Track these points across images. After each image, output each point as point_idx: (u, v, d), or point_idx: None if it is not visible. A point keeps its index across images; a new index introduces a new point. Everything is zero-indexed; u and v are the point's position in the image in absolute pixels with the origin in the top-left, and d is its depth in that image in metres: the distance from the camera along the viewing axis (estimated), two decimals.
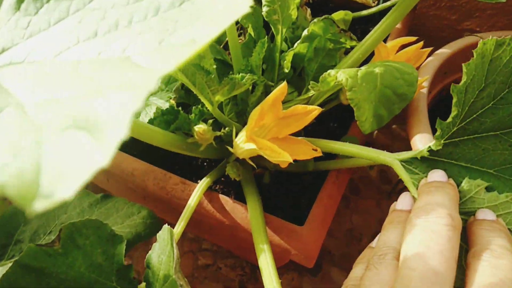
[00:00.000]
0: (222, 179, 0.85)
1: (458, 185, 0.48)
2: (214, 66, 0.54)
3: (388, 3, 1.08)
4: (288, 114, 0.59)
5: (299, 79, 0.82)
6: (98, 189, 1.46)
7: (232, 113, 0.72)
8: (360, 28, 1.17)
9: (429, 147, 0.49)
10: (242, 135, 0.59)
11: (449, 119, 0.48)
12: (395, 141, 1.60)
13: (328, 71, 0.53)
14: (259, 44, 0.64)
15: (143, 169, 0.79)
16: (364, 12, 1.11)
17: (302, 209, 0.83)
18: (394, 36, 1.02)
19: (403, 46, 0.73)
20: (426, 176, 0.50)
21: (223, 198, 0.76)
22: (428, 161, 0.50)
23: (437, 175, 0.48)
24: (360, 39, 1.20)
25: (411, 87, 0.52)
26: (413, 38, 0.69)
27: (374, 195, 1.52)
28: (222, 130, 0.73)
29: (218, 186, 0.85)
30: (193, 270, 1.29)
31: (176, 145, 0.62)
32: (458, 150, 0.48)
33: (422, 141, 0.66)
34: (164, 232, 0.51)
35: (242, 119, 0.75)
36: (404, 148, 1.61)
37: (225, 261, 1.32)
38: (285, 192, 0.85)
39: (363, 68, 0.53)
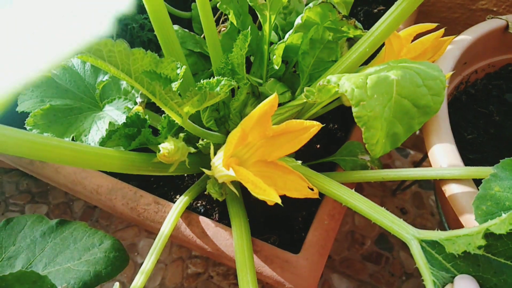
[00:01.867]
0: (206, 192, 0.73)
1: None
2: (178, 71, 0.41)
3: None
4: (280, 131, 0.46)
5: (293, 75, 0.69)
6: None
7: (211, 121, 0.60)
8: (363, 9, 1.03)
9: (464, 250, 0.36)
10: (220, 156, 0.47)
11: (498, 222, 0.34)
12: None
13: (328, 78, 0.40)
14: (240, 37, 0.51)
15: (109, 186, 0.67)
16: None
17: (298, 229, 0.71)
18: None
19: (418, 35, 0.60)
20: (450, 275, 0.36)
21: (204, 220, 0.64)
22: None
23: (467, 285, 0.36)
24: (363, 23, 1.05)
25: (437, 96, 0.39)
26: (432, 25, 0.56)
27: (378, 193, 1.40)
28: (200, 142, 0.61)
29: (200, 202, 0.73)
30: (183, 280, 1.20)
31: (138, 167, 0.50)
32: (500, 244, 0.36)
33: (443, 155, 0.54)
34: None
35: (224, 128, 0.63)
36: (411, 145, 1.47)
37: (217, 268, 1.22)
38: (278, 207, 0.74)
39: (373, 72, 0.40)
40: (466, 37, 0.69)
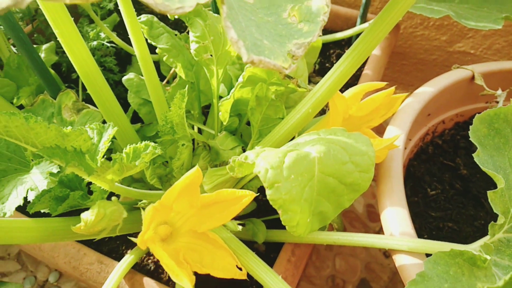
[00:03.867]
0: None
1: None
2: (94, 140, 0.39)
3: (366, 25, 0.92)
4: (210, 201, 0.43)
5: (247, 128, 0.67)
6: None
7: (155, 178, 0.57)
8: (336, 52, 1.01)
9: None
10: (142, 227, 0.44)
11: None
12: None
13: (246, 154, 0.38)
14: (177, 96, 0.49)
15: (52, 242, 0.64)
16: (339, 36, 0.96)
17: None
18: (371, 65, 0.86)
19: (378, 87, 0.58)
20: None
21: (148, 283, 0.60)
22: None
23: None
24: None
25: (365, 173, 0.37)
26: (381, 84, 0.54)
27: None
28: (141, 203, 0.58)
29: (151, 258, 0.69)
30: None
31: (62, 236, 0.47)
32: None
33: (396, 223, 0.50)
34: None
35: (169, 185, 0.60)
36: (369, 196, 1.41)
37: None
38: None
39: (296, 147, 0.37)
40: (428, 89, 0.67)
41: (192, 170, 0.39)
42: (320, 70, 1.00)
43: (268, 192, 0.34)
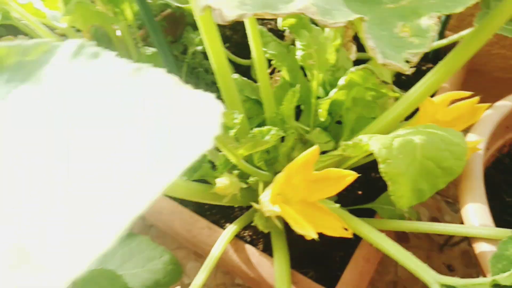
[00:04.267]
0: (253, 224, 0.81)
1: None
2: (236, 121, 0.51)
3: (444, 42, 0.99)
4: (320, 177, 0.54)
5: (337, 126, 0.77)
6: None
7: (261, 161, 0.69)
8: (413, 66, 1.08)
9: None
10: (268, 194, 0.55)
11: (506, 275, 0.40)
12: None
13: (360, 137, 0.48)
14: (289, 93, 0.61)
15: (170, 208, 0.78)
16: None
17: (334, 268, 0.76)
18: (450, 80, 0.92)
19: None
20: None
21: (250, 249, 0.72)
22: None
23: None
24: (412, 79, 1.11)
25: (458, 160, 0.45)
26: (466, 94, 0.62)
27: (424, 246, 1.38)
28: (251, 179, 0.70)
29: (247, 232, 0.81)
30: None
31: (198, 195, 0.60)
32: None
33: (476, 215, 0.57)
34: None
35: (272, 168, 0.71)
36: (449, 195, 1.42)
37: None
38: (318, 245, 0.79)
39: (401, 134, 0.47)
40: (507, 103, 0.73)
41: (312, 148, 0.50)
42: (396, 81, 1.07)
43: (381, 166, 0.44)
